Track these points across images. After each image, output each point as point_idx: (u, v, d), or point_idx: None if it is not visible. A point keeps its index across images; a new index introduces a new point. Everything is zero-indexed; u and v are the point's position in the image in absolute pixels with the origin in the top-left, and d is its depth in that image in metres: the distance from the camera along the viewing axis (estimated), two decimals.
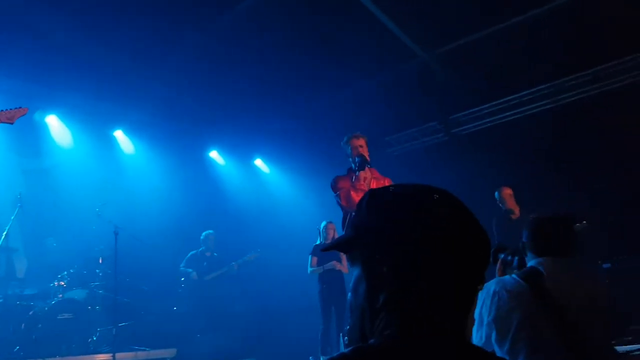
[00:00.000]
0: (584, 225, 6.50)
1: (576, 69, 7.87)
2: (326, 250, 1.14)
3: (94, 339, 6.61)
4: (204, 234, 8.20)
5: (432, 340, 0.92)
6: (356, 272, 1.02)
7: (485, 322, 2.34)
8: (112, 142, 8.63)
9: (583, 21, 6.63)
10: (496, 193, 7.04)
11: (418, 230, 0.95)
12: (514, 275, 2.39)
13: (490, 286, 2.41)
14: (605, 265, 7.23)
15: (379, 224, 0.98)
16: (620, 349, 5.06)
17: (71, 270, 6.88)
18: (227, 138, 9.35)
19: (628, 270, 6.61)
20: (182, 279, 7.93)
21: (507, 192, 6.93)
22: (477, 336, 2.39)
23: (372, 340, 0.94)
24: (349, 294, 1.05)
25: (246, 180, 9.90)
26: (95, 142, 8.24)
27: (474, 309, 1.00)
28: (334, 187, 4.80)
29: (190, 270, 7.94)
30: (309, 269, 7.20)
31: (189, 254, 8.15)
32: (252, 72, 7.60)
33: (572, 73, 7.95)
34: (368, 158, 4.77)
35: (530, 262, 2.50)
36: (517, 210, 6.89)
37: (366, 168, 4.69)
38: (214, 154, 9.63)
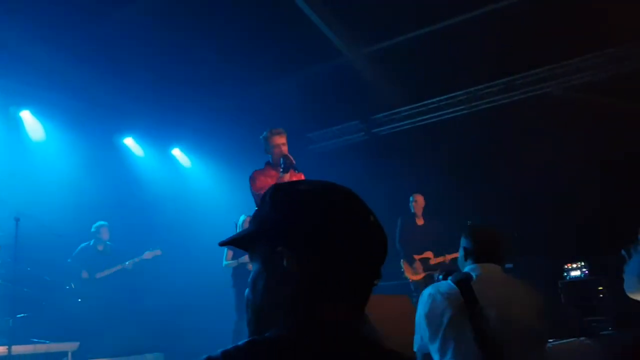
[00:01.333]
0: (513, 235, 7.04)
1: (492, 78, 8.25)
2: (224, 245, 1.12)
3: None
4: (95, 225, 7.67)
5: (327, 335, 0.92)
6: (256, 267, 1.03)
7: (422, 324, 2.48)
8: (18, 123, 8.10)
9: (501, 31, 6.95)
10: (411, 197, 7.49)
11: (321, 225, 0.96)
12: (448, 280, 2.53)
13: (426, 291, 2.57)
14: (508, 266, 7.66)
15: (283, 218, 0.98)
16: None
17: None
18: (143, 125, 9.03)
19: (527, 269, 7.08)
20: (72, 283, 7.43)
21: (421, 199, 7.48)
22: (417, 337, 2.55)
23: (268, 334, 0.93)
24: (247, 290, 1.05)
25: (163, 170, 9.61)
26: None
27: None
28: (254, 184, 4.67)
29: (79, 267, 7.49)
30: (224, 263, 7.09)
31: (79, 247, 7.60)
32: (172, 58, 7.40)
33: (488, 81, 8.33)
34: (293, 160, 4.68)
35: (466, 268, 2.66)
36: (422, 217, 7.45)
37: (291, 171, 4.62)
38: (129, 141, 9.27)
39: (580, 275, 6.85)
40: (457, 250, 6.91)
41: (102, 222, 7.71)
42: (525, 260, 7.36)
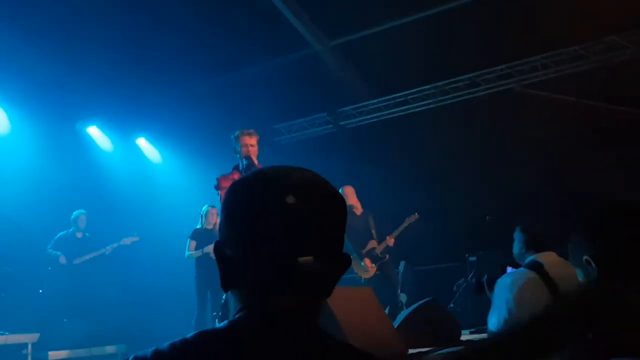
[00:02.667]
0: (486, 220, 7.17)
1: (456, 73, 8.36)
2: None
3: None
4: (74, 213, 7.70)
5: (269, 327, 0.90)
6: None
7: (503, 308, 2.83)
8: None
9: (468, 27, 7.06)
10: (340, 190, 7.22)
11: (235, 211, 0.95)
12: (521, 269, 2.96)
13: (506, 278, 2.97)
14: (471, 258, 7.83)
15: (223, 209, 0.98)
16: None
17: None
18: (107, 114, 8.86)
19: (489, 262, 7.24)
20: (49, 267, 7.40)
21: (349, 190, 7.15)
22: (494, 321, 2.90)
23: (219, 325, 0.93)
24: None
25: (128, 159, 9.46)
26: None
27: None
28: (217, 186, 4.68)
29: (58, 253, 7.45)
30: (187, 253, 7.04)
31: (58, 235, 7.63)
32: (136, 43, 7.28)
33: (452, 76, 8.44)
34: (256, 161, 4.67)
35: (530, 258, 3.05)
36: (359, 206, 7.14)
37: None
38: (92, 130, 9.09)
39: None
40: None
41: (81, 210, 7.76)
42: (487, 254, 7.54)
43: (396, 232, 7.05)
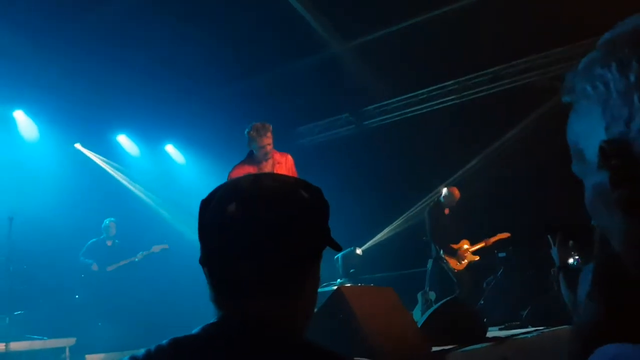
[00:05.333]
0: None
1: (477, 68, 8.31)
2: None
3: None
4: (105, 221, 7.90)
5: (238, 330, 0.94)
6: None
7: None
8: (11, 123, 8.15)
9: (486, 22, 7.00)
10: (445, 189, 7.38)
11: (199, 220, 1.00)
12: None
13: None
14: (501, 255, 7.77)
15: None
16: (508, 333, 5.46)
17: None
18: (136, 122, 9.07)
19: (517, 259, 7.17)
20: (82, 275, 7.59)
21: (454, 190, 7.33)
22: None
23: (193, 330, 0.97)
24: None
25: (156, 166, 9.67)
26: None
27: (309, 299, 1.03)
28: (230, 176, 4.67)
29: (90, 261, 7.64)
30: None
31: (89, 242, 7.83)
32: (159, 54, 7.45)
33: (475, 71, 8.38)
34: (274, 152, 4.68)
35: None
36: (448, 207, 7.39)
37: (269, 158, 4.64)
38: (122, 138, 9.32)
39: (574, 263, 6.93)
40: (487, 237, 7.10)
41: (111, 219, 7.92)
42: (515, 250, 7.49)
43: (492, 239, 7.36)
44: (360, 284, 7.61)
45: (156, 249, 7.88)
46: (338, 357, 0.96)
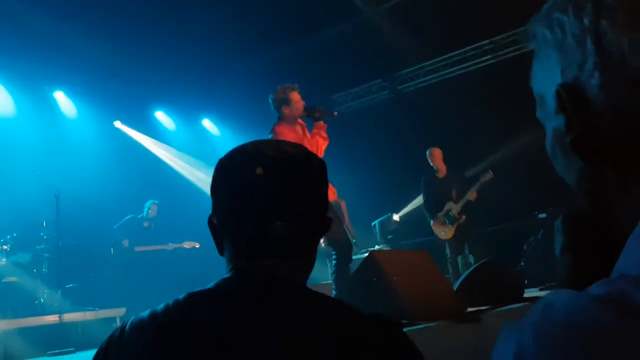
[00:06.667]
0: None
1: (515, 25, 8.03)
2: None
3: (41, 300, 6.62)
4: (148, 203, 7.99)
5: (251, 284, 0.99)
6: None
7: None
8: (53, 104, 8.42)
9: None
10: (427, 152, 7.22)
11: (213, 185, 1.05)
12: None
13: None
14: (541, 215, 7.63)
15: (211, 185, 1.08)
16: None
17: (14, 234, 6.80)
18: (172, 98, 9.22)
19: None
20: (111, 249, 7.74)
21: (436, 152, 7.13)
22: None
23: (208, 285, 1.02)
24: None
25: (194, 141, 9.82)
26: (34, 103, 8.03)
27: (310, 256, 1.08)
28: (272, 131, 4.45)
29: (122, 236, 7.81)
30: None
31: (126, 218, 7.95)
32: (192, 28, 7.50)
33: (512, 28, 8.11)
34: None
35: None
36: (443, 169, 7.13)
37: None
38: (159, 114, 9.50)
39: None
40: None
41: (154, 201, 8.01)
42: (557, 211, 7.32)
43: (474, 187, 6.91)
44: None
45: (187, 245, 7.90)
46: (339, 302, 1.03)
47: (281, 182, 1.00)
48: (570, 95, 0.56)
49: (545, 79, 0.62)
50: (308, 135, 4.61)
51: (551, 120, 0.61)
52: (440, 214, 6.98)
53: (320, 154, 4.45)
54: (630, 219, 0.53)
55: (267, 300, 0.97)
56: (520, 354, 0.44)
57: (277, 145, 1.05)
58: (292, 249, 1.02)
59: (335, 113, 4.76)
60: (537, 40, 0.63)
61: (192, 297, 1.00)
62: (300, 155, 1.05)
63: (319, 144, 4.53)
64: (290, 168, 1.02)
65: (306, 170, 1.04)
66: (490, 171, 6.99)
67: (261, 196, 0.99)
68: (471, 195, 6.89)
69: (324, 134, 4.61)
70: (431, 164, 7.19)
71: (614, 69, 0.53)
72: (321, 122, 4.61)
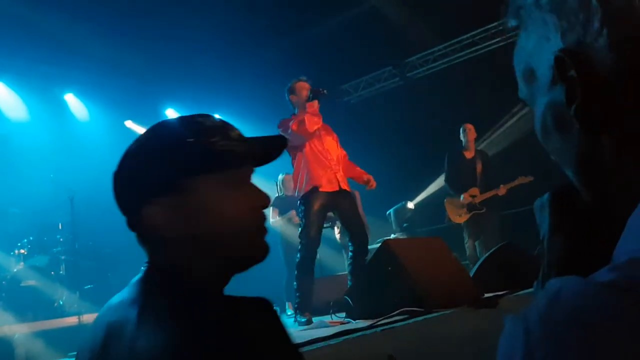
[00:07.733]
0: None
1: None
2: None
3: (60, 303, 6.66)
4: None
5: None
6: None
7: None
8: (64, 106, 8.47)
9: None
10: (462, 127, 7.00)
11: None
12: None
13: None
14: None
15: None
16: None
17: (30, 238, 6.85)
18: (183, 94, 9.21)
19: None
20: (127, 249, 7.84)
21: (472, 129, 6.94)
22: None
23: None
24: None
25: None
26: (46, 106, 8.08)
27: None
28: (281, 126, 4.83)
29: None
30: (270, 221, 7.26)
31: None
32: (201, 23, 7.46)
33: None
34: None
35: None
36: (473, 149, 6.93)
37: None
38: (170, 112, 9.50)
39: None
40: (510, 180, 6.49)
41: None
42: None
43: (507, 186, 6.65)
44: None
45: None
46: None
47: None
48: (574, 60, 0.51)
49: (537, 49, 0.57)
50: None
51: (543, 95, 0.57)
52: (462, 198, 6.74)
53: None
54: (629, 195, 0.49)
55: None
56: (528, 344, 0.41)
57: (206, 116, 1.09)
58: None
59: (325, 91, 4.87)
60: (525, 9, 0.60)
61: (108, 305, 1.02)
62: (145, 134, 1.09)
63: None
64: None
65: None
66: (530, 177, 6.66)
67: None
68: (501, 190, 6.63)
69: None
70: (463, 142, 6.92)
71: (625, 26, 0.48)
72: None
